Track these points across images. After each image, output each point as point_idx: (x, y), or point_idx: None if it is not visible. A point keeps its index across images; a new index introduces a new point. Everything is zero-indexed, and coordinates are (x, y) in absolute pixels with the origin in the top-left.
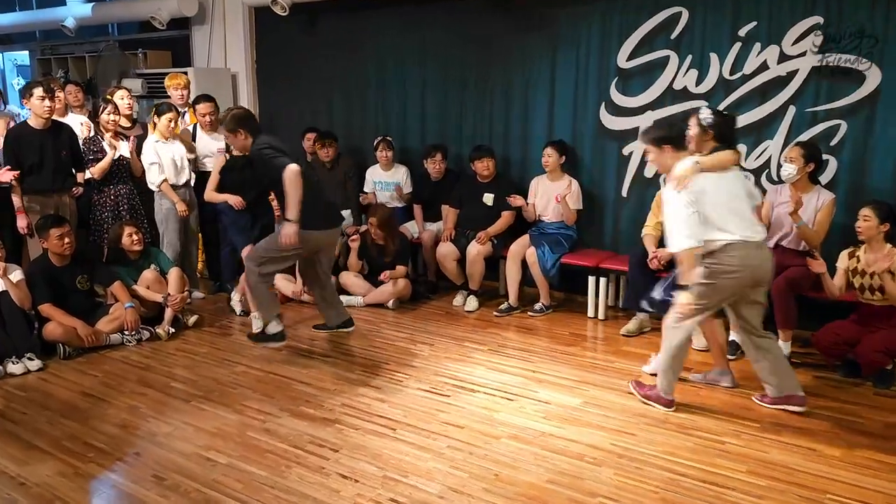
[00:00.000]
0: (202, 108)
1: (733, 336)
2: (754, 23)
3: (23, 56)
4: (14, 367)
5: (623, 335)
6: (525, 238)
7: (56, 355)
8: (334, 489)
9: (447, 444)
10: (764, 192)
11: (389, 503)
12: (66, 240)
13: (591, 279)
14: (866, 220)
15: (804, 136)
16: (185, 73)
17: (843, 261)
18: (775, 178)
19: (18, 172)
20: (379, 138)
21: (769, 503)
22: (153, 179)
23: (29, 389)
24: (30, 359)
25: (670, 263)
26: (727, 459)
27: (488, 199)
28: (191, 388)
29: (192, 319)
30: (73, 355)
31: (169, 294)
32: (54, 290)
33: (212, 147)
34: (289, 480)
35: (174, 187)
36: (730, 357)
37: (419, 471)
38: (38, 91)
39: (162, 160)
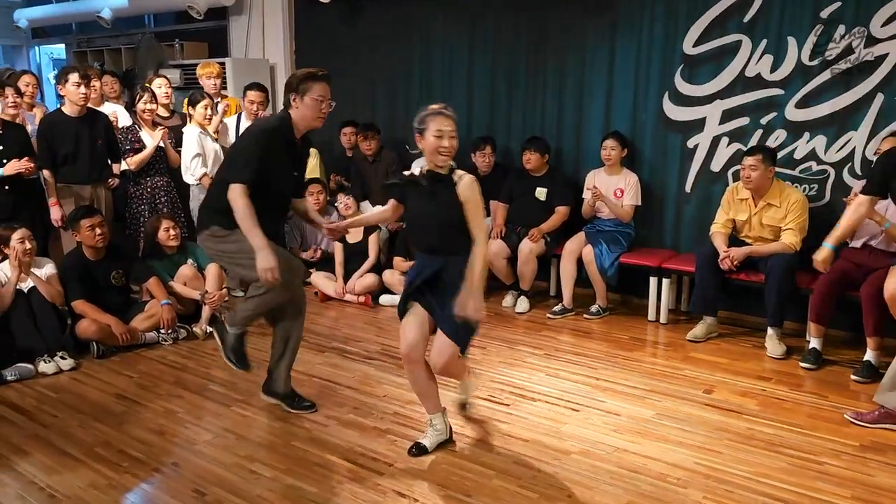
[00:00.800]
0: (253, 95)
1: (814, 344)
2: (839, 3)
3: (59, 49)
4: (45, 367)
5: (689, 340)
6: (581, 235)
7: (89, 354)
8: None
9: (513, 460)
10: (849, 189)
11: None
12: (99, 231)
13: (653, 280)
14: None
15: (893, 127)
16: (222, 64)
17: None
18: (859, 173)
19: (34, 166)
20: None
21: None
22: (194, 172)
23: (60, 390)
24: (62, 358)
25: (743, 264)
26: (828, 483)
27: (541, 193)
28: (230, 391)
29: None
30: (107, 354)
31: (206, 291)
32: (88, 286)
33: None
34: (341, 498)
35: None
36: (809, 367)
37: (484, 490)
38: (74, 77)
39: (206, 152)
